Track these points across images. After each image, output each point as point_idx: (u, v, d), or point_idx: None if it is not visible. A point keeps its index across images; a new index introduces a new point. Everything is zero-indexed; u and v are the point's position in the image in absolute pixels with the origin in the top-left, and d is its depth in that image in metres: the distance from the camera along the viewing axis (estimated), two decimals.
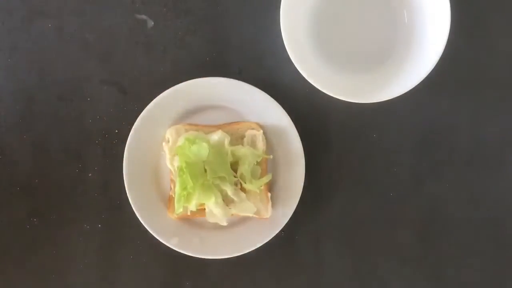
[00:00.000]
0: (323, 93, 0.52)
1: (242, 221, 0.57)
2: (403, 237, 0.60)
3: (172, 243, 0.55)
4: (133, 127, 0.55)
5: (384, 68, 0.57)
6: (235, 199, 0.54)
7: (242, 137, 0.56)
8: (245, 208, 0.54)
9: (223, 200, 0.54)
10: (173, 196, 0.54)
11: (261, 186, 0.54)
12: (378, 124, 0.59)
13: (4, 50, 0.58)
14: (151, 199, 0.56)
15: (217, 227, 0.56)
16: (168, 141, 0.55)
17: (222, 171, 0.53)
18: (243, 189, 0.55)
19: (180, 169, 0.52)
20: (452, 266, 0.60)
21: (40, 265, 0.58)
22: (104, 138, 0.58)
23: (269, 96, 0.55)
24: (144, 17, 0.58)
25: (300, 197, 0.55)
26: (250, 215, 0.55)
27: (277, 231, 0.55)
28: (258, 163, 0.55)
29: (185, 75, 0.56)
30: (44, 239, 0.58)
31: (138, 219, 0.55)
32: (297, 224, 0.58)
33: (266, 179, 0.55)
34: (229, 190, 0.53)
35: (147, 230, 0.55)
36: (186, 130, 0.55)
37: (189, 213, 0.54)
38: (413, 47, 0.55)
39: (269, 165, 0.57)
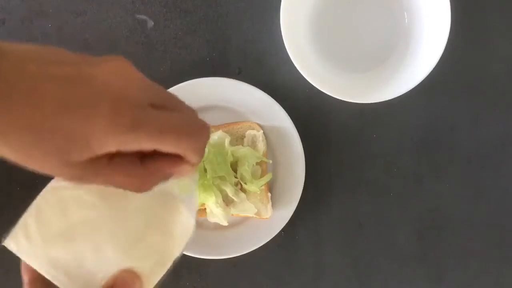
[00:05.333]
0: (323, 93, 0.52)
1: (243, 221, 0.57)
2: (403, 237, 0.60)
3: None
4: None
5: (384, 68, 0.57)
6: (235, 199, 0.54)
7: (242, 137, 0.56)
8: (246, 208, 0.54)
9: (223, 200, 0.54)
10: None
11: (261, 186, 0.54)
12: (378, 124, 0.59)
13: None
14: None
15: (217, 227, 0.56)
16: None
17: (222, 171, 0.53)
18: (243, 190, 0.55)
19: None
20: (452, 266, 0.60)
21: None
22: None
23: (269, 96, 0.55)
24: (144, 17, 0.58)
25: (300, 197, 0.55)
26: (251, 215, 0.55)
27: (277, 231, 0.56)
28: (258, 164, 0.55)
29: (185, 75, 0.56)
30: None
31: None
32: (297, 224, 0.58)
33: (266, 178, 0.55)
34: (229, 191, 0.53)
35: None
36: None
37: None
38: (413, 47, 0.55)
39: (269, 165, 0.57)
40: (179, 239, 0.34)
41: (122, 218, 0.32)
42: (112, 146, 0.27)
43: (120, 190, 0.30)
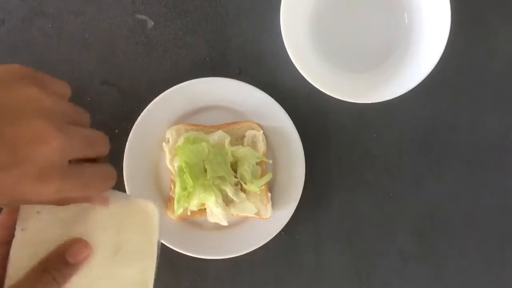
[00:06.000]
0: (323, 93, 0.52)
1: (242, 221, 0.57)
2: (403, 237, 0.60)
3: (172, 243, 0.55)
4: (133, 127, 0.55)
5: (384, 68, 0.57)
6: (235, 199, 0.54)
7: (242, 137, 0.56)
8: (245, 208, 0.54)
9: (223, 200, 0.54)
10: (173, 196, 0.54)
11: (261, 186, 0.54)
12: (378, 124, 0.59)
13: (4, 50, 0.58)
14: (151, 199, 0.56)
15: (217, 227, 0.56)
16: (168, 141, 0.55)
17: (222, 171, 0.53)
18: (243, 190, 0.55)
19: (180, 169, 0.52)
20: (452, 266, 0.60)
21: None
22: None
23: (269, 96, 0.55)
24: (144, 17, 0.58)
25: (300, 197, 0.55)
26: (250, 215, 0.55)
27: (277, 231, 0.56)
28: (258, 164, 0.55)
29: (185, 75, 0.56)
30: None
31: None
32: (297, 224, 0.58)
33: (266, 178, 0.55)
34: (229, 191, 0.53)
35: None
36: (186, 130, 0.55)
37: (189, 214, 0.54)
38: (413, 47, 0.55)
39: (269, 165, 0.57)
40: (151, 227, 0.37)
41: (91, 237, 0.35)
42: (35, 201, 0.30)
43: (80, 216, 0.34)
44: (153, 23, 0.58)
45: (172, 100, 0.55)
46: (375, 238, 0.59)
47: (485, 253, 0.60)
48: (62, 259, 0.33)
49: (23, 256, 0.34)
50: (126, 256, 0.35)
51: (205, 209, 0.54)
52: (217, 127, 0.56)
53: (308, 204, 0.58)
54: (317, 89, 0.52)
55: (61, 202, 0.32)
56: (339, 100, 0.53)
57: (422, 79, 0.52)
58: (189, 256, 0.55)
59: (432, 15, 0.53)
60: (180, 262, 0.58)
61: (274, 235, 0.55)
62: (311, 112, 0.58)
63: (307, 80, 0.52)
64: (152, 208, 0.37)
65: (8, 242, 0.34)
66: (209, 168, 0.52)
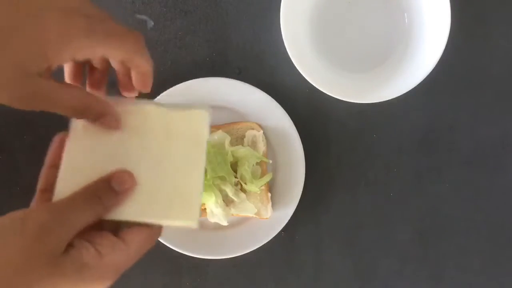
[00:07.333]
0: (323, 93, 0.52)
1: (242, 221, 0.57)
2: (403, 237, 0.60)
3: (173, 243, 0.55)
4: None
5: (384, 68, 0.57)
6: (235, 199, 0.54)
7: (242, 137, 0.56)
8: (246, 208, 0.54)
9: (223, 200, 0.54)
10: None
11: (261, 186, 0.54)
12: (378, 124, 0.59)
13: None
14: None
15: (217, 227, 0.56)
16: None
17: (222, 171, 0.53)
18: (243, 190, 0.55)
19: None
20: (452, 266, 0.60)
21: None
22: None
23: (269, 96, 0.55)
24: (144, 17, 0.58)
25: (300, 197, 0.55)
26: (251, 215, 0.55)
27: (277, 231, 0.56)
28: (258, 164, 0.55)
29: (185, 75, 0.56)
30: None
31: None
32: (297, 224, 0.58)
33: (267, 178, 0.55)
34: (229, 191, 0.53)
35: None
36: None
37: None
38: (413, 47, 0.55)
39: (269, 165, 0.57)
40: (201, 134, 0.36)
41: (141, 144, 0.35)
42: (67, 53, 0.29)
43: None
44: (153, 23, 0.58)
45: (172, 100, 0.55)
46: (375, 238, 0.59)
47: (485, 253, 0.60)
48: (108, 185, 0.33)
49: (75, 158, 0.35)
50: (173, 164, 0.35)
51: (205, 209, 0.54)
52: (217, 127, 0.56)
53: (308, 204, 0.58)
54: (317, 89, 0.52)
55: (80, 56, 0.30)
56: (339, 100, 0.53)
57: (422, 79, 0.52)
58: (189, 256, 0.55)
59: (432, 15, 0.53)
60: (180, 262, 0.58)
61: (274, 235, 0.55)
62: (311, 112, 0.58)
63: (307, 80, 0.52)
64: (202, 117, 0.36)
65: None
66: (209, 168, 0.52)
